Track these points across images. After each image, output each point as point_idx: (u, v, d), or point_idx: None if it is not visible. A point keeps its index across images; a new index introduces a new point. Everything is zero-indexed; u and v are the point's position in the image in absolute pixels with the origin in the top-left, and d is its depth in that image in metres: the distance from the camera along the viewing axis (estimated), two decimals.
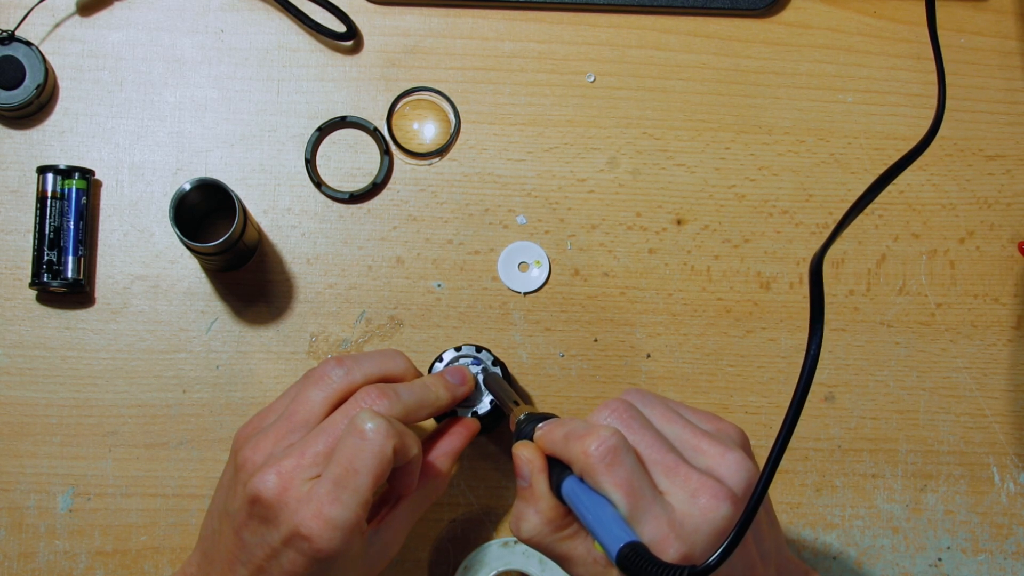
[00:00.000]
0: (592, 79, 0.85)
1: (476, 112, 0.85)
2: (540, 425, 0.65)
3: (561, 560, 0.64)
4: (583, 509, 0.60)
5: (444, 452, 0.73)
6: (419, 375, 0.74)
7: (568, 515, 0.63)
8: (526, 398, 0.83)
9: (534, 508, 0.64)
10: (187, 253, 0.82)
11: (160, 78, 0.84)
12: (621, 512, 0.59)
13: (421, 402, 0.71)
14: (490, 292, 0.83)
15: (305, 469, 0.65)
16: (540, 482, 0.64)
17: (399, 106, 0.85)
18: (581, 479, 0.61)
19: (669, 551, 0.59)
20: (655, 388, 0.83)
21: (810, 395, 0.84)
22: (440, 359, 0.77)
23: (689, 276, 0.84)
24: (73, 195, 0.81)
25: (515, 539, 0.80)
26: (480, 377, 0.76)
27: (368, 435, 0.64)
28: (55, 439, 0.81)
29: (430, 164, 0.84)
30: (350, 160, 0.84)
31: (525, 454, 0.64)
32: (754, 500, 0.56)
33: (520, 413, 0.69)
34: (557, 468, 0.63)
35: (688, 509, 0.59)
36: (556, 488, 0.63)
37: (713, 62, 0.86)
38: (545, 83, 0.85)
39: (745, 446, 0.65)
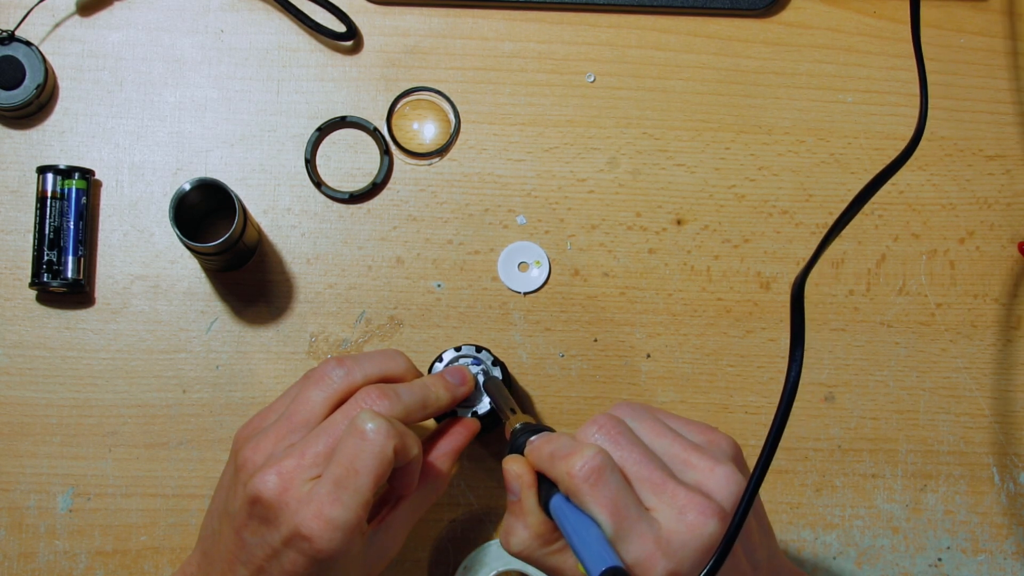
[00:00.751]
0: (592, 79, 0.85)
1: (476, 112, 0.85)
2: (531, 439, 0.65)
3: (550, 573, 0.64)
4: (568, 528, 0.60)
5: (444, 452, 0.73)
6: (419, 375, 0.74)
7: (557, 530, 0.63)
8: (524, 404, 0.83)
9: (523, 523, 0.64)
10: (187, 253, 0.82)
11: (160, 78, 0.84)
12: (606, 532, 0.59)
13: (421, 402, 0.71)
14: (490, 292, 0.83)
15: (305, 469, 0.65)
16: (529, 498, 0.64)
17: (399, 106, 0.85)
18: (567, 498, 0.61)
19: (656, 569, 0.59)
20: (655, 388, 0.83)
21: (810, 395, 0.84)
22: (440, 359, 0.77)
23: (689, 276, 0.84)
24: (73, 195, 0.81)
25: None
26: (480, 379, 0.76)
27: (369, 436, 0.64)
28: (55, 439, 0.81)
29: (430, 164, 0.84)
30: (350, 160, 0.84)
31: (515, 469, 0.64)
32: (737, 518, 0.56)
33: (516, 423, 0.69)
34: (546, 483, 0.63)
35: (675, 526, 0.59)
36: (545, 503, 0.63)
37: (713, 62, 0.86)
38: (545, 83, 0.85)
39: (737, 458, 0.64)
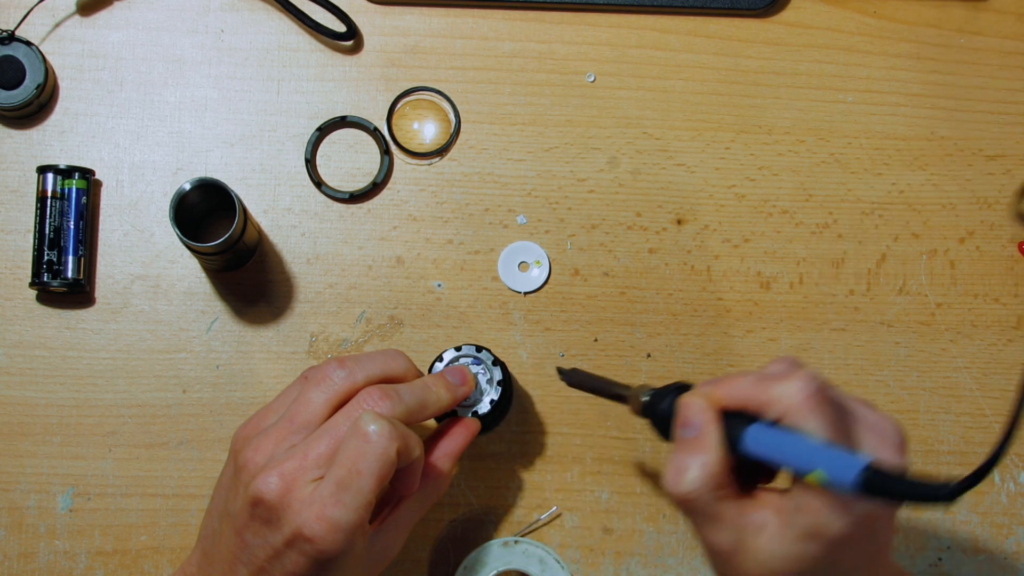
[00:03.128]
0: (592, 79, 0.85)
1: (476, 112, 0.85)
2: (712, 381, 0.64)
3: (707, 520, 0.62)
4: (787, 450, 0.59)
5: (445, 453, 0.73)
6: (420, 375, 0.74)
7: (731, 472, 0.62)
8: (524, 404, 0.82)
9: (700, 460, 0.61)
10: (187, 253, 0.82)
11: (160, 78, 0.84)
12: None
13: (423, 403, 0.71)
14: (490, 292, 0.83)
15: (308, 471, 0.65)
16: (712, 432, 0.61)
17: (399, 106, 0.85)
18: (771, 424, 0.60)
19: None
20: None
21: None
22: (440, 359, 0.77)
23: (689, 276, 0.84)
24: (73, 195, 0.81)
25: (518, 537, 0.81)
26: (563, 378, 0.76)
27: (371, 437, 0.64)
28: (55, 439, 0.81)
29: (430, 164, 0.84)
30: (350, 160, 0.84)
31: (698, 403, 0.63)
32: (1004, 441, 0.55)
33: (641, 394, 0.68)
34: (732, 419, 0.62)
35: (880, 454, 0.60)
36: (732, 439, 0.61)
37: (713, 62, 0.86)
38: (545, 83, 0.85)
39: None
